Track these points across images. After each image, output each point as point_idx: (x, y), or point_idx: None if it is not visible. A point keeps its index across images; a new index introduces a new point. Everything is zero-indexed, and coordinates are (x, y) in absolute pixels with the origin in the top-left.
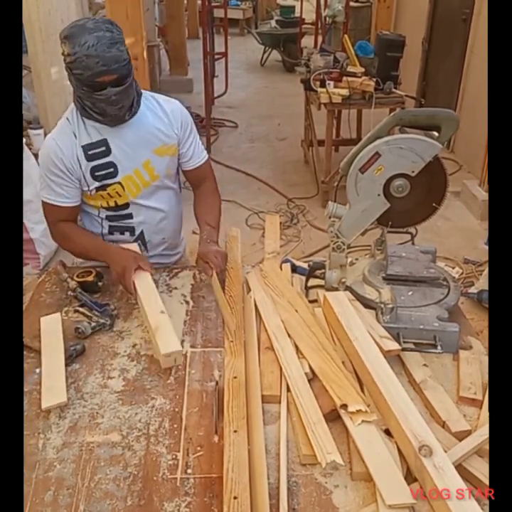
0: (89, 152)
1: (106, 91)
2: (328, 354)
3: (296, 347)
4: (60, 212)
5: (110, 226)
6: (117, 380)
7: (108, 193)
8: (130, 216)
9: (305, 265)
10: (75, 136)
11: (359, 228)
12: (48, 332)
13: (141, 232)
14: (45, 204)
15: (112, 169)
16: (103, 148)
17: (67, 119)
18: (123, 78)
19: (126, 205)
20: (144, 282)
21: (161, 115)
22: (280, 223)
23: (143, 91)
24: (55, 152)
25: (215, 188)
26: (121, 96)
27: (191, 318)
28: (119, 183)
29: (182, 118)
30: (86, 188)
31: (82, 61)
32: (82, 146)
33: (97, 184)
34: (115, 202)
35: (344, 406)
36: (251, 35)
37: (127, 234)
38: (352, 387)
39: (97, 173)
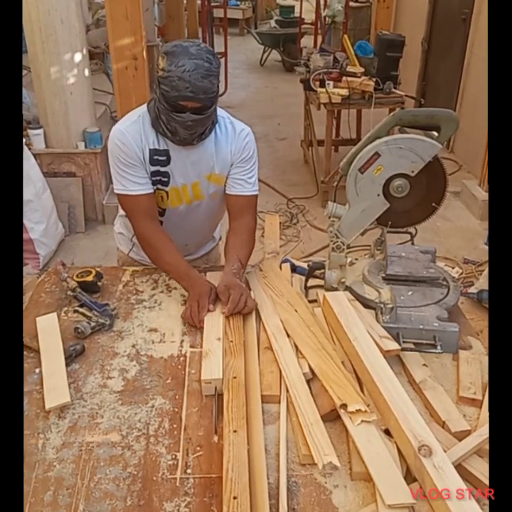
0: (154, 157)
1: (185, 115)
2: (328, 354)
3: (296, 347)
4: (138, 203)
5: None
6: (117, 380)
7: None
8: (160, 223)
9: (305, 265)
10: (143, 135)
11: (359, 228)
12: (46, 332)
13: None
14: (121, 197)
15: (166, 179)
16: (164, 158)
17: (140, 116)
18: (205, 109)
19: (163, 212)
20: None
21: (223, 145)
22: (280, 223)
23: (219, 110)
24: (124, 142)
25: (254, 228)
26: (197, 123)
27: None
28: (166, 191)
29: (241, 148)
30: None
31: (173, 81)
32: (150, 149)
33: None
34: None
35: (344, 406)
36: (250, 35)
37: None
38: (352, 387)
39: (153, 178)
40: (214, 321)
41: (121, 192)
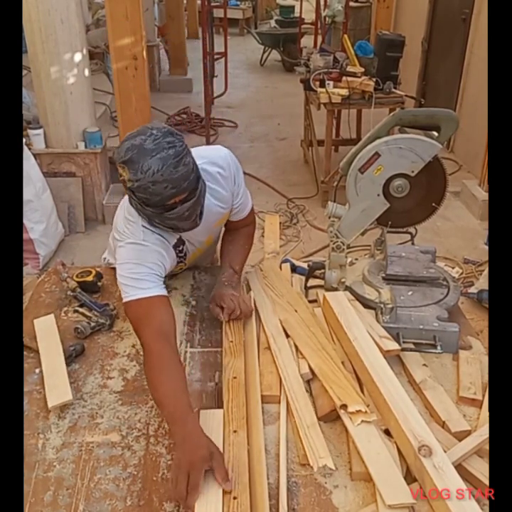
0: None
1: (177, 209)
2: (328, 354)
3: (296, 347)
4: (149, 306)
5: None
6: (117, 380)
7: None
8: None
9: (304, 265)
10: (165, 241)
11: (359, 228)
12: (44, 334)
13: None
14: (129, 305)
15: (182, 254)
16: (176, 240)
17: (151, 242)
18: (193, 192)
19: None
20: None
21: (217, 187)
22: (280, 223)
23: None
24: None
25: (252, 233)
26: (192, 210)
27: (191, 318)
28: (185, 263)
29: (232, 173)
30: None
31: (148, 188)
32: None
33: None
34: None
35: (344, 406)
36: (250, 35)
37: None
38: (352, 387)
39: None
40: (211, 503)
41: (133, 298)
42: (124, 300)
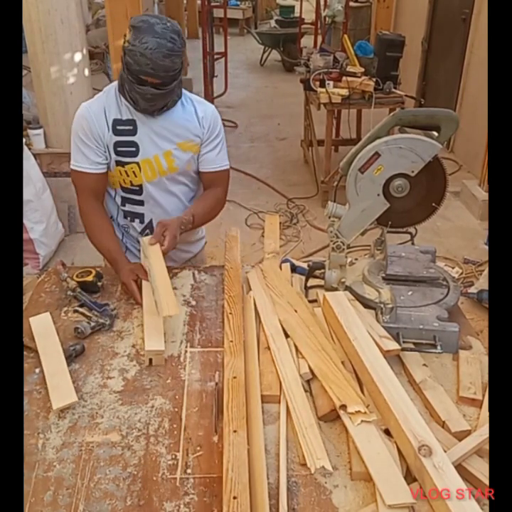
0: (118, 127)
1: (145, 88)
2: (328, 354)
3: (296, 347)
4: (87, 180)
5: (124, 211)
6: (117, 380)
7: (125, 171)
8: (141, 203)
9: (304, 265)
10: (105, 109)
11: (359, 228)
12: (42, 333)
13: (150, 221)
14: (73, 172)
15: (133, 149)
16: (130, 127)
17: (105, 92)
18: (165, 85)
19: (140, 189)
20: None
21: (193, 116)
22: (280, 223)
23: (183, 91)
24: (85, 117)
25: (223, 197)
26: (156, 97)
27: (191, 318)
28: (137, 163)
29: (211, 121)
30: (107, 161)
31: (135, 55)
32: (113, 120)
33: (117, 158)
34: (130, 182)
35: (343, 407)
36: (250, 35)
37: (137, 221)
38: (351, 387)
39: (119, 149)
40: (150, 298)
41: (73, 167)
42: (70, 166)
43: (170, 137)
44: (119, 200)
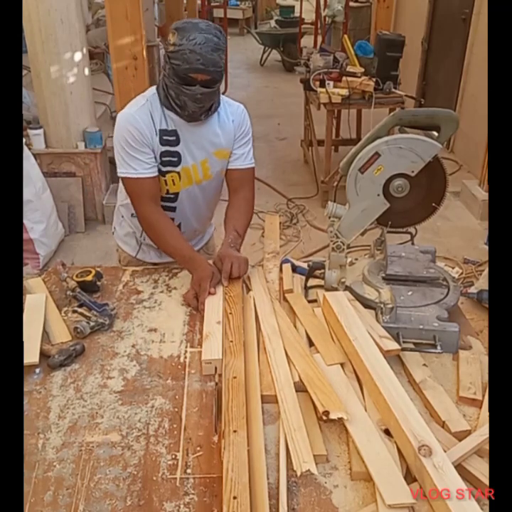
0: (164, 137)
1: (194, 87)
2: (314, 360)
3: (285, 352)
4: (144, 186)
5: None
6: (117, 380)
7: (165, 180)
8: (174, 209)
9: (304, 265)
10: (152, 117)
11: (359, 228)
12: (32, 306)
13: (179, 225)
14: (129, 180)
15: (176, 159)
16: (174, 138)
17: (147, 99)
18: (214, 82)
19: (175, 196)
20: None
21: (226, 120)
22: (280, 223)
23: None
24: (134, 125)
25: (252, 198)
26: (205, 97)
27: (191, 318)
28: (178, 173)
29: (241, 121)
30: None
31: (185, 54)
32: (159, 130)
33: (160, 168)
34: (167, 190)
35: (326, 413)
36: (251, 35)
37: None
38: (335, 394)
39: (164, 158)
40: (214, 305)
41: (128, 175)
42: (119, 174)
43: (207, 147)
44: None
